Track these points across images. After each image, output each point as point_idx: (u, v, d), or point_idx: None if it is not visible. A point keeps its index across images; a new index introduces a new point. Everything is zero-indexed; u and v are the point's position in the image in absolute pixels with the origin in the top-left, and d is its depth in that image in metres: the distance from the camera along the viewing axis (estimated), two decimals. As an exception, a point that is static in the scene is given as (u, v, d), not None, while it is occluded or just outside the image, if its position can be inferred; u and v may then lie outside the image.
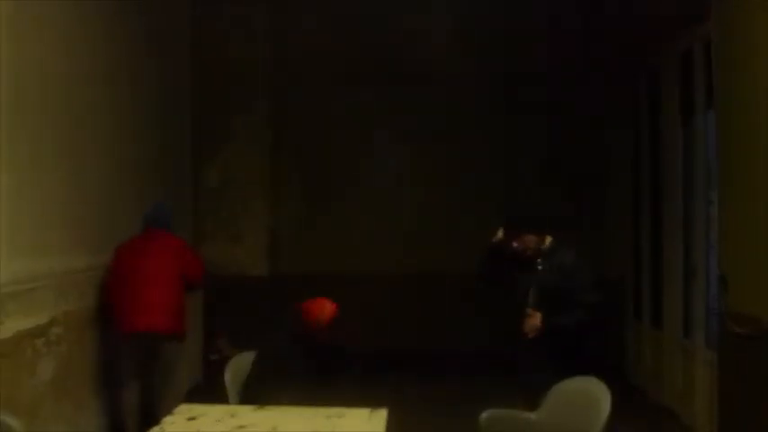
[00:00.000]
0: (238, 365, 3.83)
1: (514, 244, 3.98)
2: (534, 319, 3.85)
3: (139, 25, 5.85)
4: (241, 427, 2.93)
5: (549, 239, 4.00)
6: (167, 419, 3.04)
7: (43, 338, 4.30)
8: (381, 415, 3.11)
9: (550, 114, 7.67)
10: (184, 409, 3.18)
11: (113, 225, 5.37)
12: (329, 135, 7.79)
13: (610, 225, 7.45)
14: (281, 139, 7.78)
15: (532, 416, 3.53)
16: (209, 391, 5.47)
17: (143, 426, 3.60)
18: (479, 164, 7.83)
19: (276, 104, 7.70)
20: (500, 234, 4.04)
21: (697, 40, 5.35)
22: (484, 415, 3.48)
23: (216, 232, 7.51)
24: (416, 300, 7.51)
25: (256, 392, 3.46)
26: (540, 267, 3.96)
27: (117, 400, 5.00)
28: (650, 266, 6.54)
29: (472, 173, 7.79)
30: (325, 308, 3.70)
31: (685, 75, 5.69)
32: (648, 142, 6.61)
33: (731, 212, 4.58)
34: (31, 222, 4.17)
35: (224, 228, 7.52)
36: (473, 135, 7.81)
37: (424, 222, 7.81)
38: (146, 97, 6.04)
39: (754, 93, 4.17)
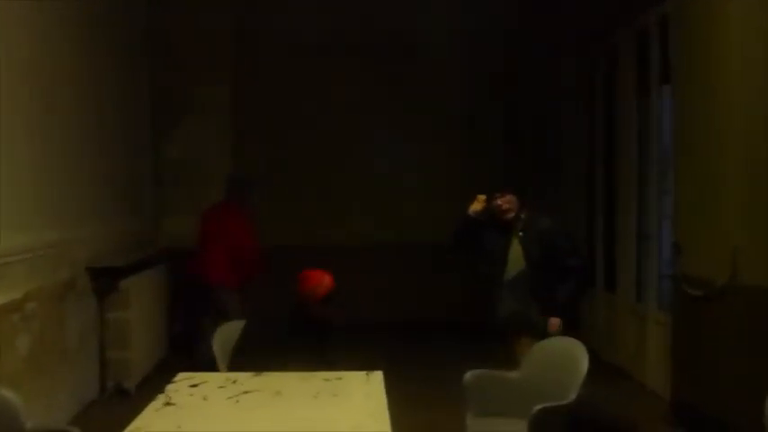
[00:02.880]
0: (226, 334, 3.88)
1: (498, 201, 4.12)
2: (555, 325, 4.01)
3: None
4: (246, 392, 3.02)
5: (524, 211, 4.19)
6: (170, 387, 3.09)
7: (19, 313, 4.25)
8: (378, 376, 3.25)
9: (509, 89, 7.85)
10: (185, 377, 3.23)
11: (80, 199, 5.31)
12: (293, 105, 7.76)
13: (565, 196, 7.72)
14: (245, 109, 7.71)
15: (514, 374, 3.73)
16: (177, 363, 5.50)
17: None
18: (447, 135, 7.97)
19: (240, 74, 7.62)
20: (481, 198, 4.15)
21: (654, 19, 5.60)
22: (468, 375, 3.65)
23: (178, 204, 7.43)
24: (387, 270, 7.64)
25: (248, 361, 3.51)
26: (521, 234, 4.13)
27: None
28: (604, 235, 6.86)
29: (440, 143, 7.91)
30: (322, 280, 3.73)
31: (641, 51, 5.95)
32: (604, 116, 6.87)
33: (686, 182, 4.88)
34: (2, 198, 4.09)
35: (186, 200, 7.43)
36: (440, 108, 7.93)
37: (395, 193, 7.90)
38: (105, 71, 5.92)
39: (710, 67, 4.44)
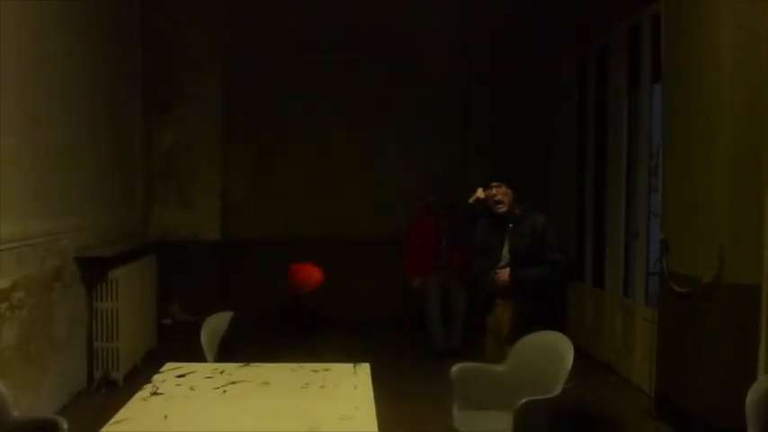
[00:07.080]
0: (214, 325, 3.89)
1: (493, 191, 4.19)
2: (503, 275, 4.10)
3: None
4: (233, 382, 3.03)
5: (520, 206, 4.23)
6: (158, 377, 3.10)
7: (6, 303, 4.24)
8: (365, 368, 3.27)
9: (501, 84, 7.87)
10: (172, 367, 3.24)
11: (70, 189, 5.29)
12: (287, 101, 7.73)
13: (555, 192, 7.75)
14: (238, 102, 7.68)
15: (500, 368, 3.77)
16: (165, 354, 5.49)
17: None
18: (434, 128, 7.97)
19: (230, 68, 7.59)
20: (480, 191, 4.25)
21: (645, 16, 5.63)
22: (455, 368, 3.68)
23: (168, 195, 7.43)
24: (371, 264, 7.64)
25: (235, 352, 3.52)
26: (510, 226, 4.18)
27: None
28: (593, 233, 6.90)
29: (428, 137, 7.91)
30: (312, 273, 3.73)
31: (632, 49, 5.98)
32: (594, 114, 6.90)
33: (674, 180, 4.91)
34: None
35: (176, 191, 7.44)
36: (436, 106, 7.95)
37: (379, 188, 7.88)
38: (97, 60, 5.89)
39: (699, 66, 4.47)
